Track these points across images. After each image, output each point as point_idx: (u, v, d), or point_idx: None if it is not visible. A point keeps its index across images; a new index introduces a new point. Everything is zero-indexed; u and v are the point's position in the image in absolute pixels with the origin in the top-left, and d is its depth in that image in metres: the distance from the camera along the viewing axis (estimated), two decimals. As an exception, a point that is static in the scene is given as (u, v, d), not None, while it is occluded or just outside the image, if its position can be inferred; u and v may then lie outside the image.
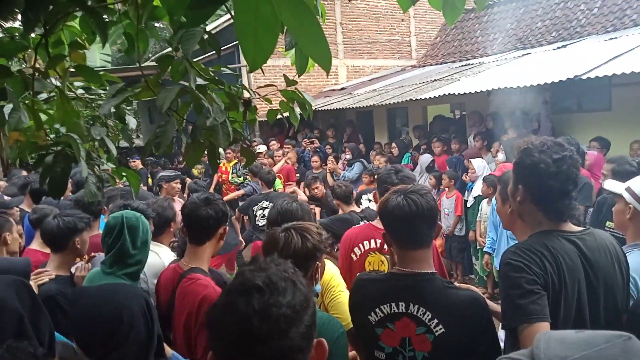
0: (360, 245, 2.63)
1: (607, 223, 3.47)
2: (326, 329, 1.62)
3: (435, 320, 1.63)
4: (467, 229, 6.06)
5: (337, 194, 4.50)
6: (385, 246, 1.91)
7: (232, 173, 8.59)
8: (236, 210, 6.22)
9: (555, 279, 1.55)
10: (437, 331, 1.63)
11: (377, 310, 1.73)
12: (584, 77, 5.10)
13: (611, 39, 7.22)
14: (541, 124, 6.55)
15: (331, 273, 2.28)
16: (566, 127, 6.75)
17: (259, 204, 5.72)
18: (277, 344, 0.90)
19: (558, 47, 7.97)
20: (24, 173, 6.91)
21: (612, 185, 2.25)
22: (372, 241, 2.62)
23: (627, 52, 5.74)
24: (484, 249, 5.12)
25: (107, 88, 2.07)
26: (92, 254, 2.82)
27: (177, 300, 2.14)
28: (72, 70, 1.82)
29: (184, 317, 2.08)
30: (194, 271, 2.16)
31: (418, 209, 1.69)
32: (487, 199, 5.39)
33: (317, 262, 1.75)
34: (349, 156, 8.22)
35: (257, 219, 5.73)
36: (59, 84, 1.79)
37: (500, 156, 5.85)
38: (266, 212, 5.65)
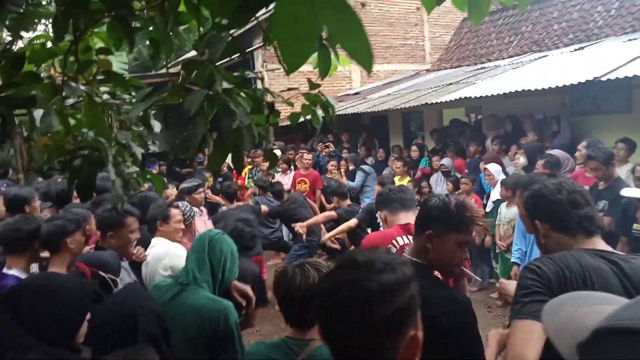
0: (394, 242, 2.58)
1: (635, 225, 3.52)
2: None
3: None
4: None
5: (332, 191, 4.45)
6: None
7: (248, 178, 8.67)
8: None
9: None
10: None
11: None
12: (604, 78, 5.02)
13: (630, 40, 7.11)
14: (561, 126, 6.47)
15: None
16: (585, 130, 6.65)
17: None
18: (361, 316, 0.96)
19: (575, 49, 7.88)
20: (40, 180, 6.96)
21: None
22: (405, 237, 2.58)
23: (648, 53, 5.64)
24: (512, 259, 4.84)
25: (132, 93, 2.11)
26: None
27: None
28: (99, 77, 1.86)
29: None
30: None
31: None
32: (506, 202, 5.33)
33: None
34: (351, 167, 8.25)
35: None
36: (86, 89, 1.82)
37: (522, 160, 5.77)
38: None
